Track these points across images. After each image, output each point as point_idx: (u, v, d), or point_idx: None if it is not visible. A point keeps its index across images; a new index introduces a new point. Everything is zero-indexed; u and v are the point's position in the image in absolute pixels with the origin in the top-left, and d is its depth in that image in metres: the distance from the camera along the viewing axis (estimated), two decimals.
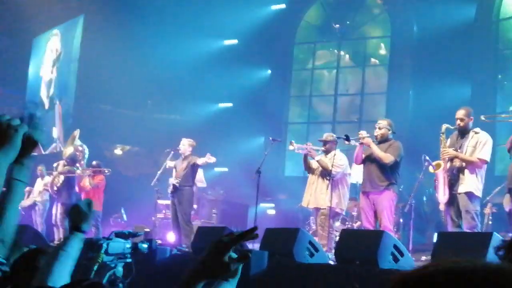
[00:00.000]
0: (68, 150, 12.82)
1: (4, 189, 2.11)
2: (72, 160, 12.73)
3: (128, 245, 5.18)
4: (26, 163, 2.16)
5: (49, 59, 22.02)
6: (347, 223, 12.47)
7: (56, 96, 21.16)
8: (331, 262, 7.63)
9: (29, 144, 2.16)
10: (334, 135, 10.05)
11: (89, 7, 19.66)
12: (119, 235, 5.23)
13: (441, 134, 8.18)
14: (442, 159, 8.11)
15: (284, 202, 16.45)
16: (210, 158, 10.69)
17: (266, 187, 14.66)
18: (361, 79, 18.51)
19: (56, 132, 19.05)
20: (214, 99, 19.83)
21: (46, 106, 21.77)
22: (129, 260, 5.18)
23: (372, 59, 18.77)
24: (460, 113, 8.13)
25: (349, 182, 9.83)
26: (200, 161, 10.82)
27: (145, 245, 5.35)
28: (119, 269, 5.17)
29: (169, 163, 11.40)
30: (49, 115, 20.91)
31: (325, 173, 9.49)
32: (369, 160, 8.81)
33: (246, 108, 18.55)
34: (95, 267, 4.98)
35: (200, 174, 13.05)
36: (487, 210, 11.10)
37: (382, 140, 8.85)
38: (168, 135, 16.36)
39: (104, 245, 5.03)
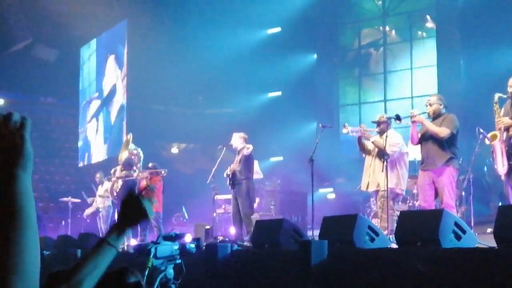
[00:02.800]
0: (124, 155, 12.95)
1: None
2: (129, 165, 12.87)
3: (176, 247, 5.32)
4: (126, 233, 2.20)
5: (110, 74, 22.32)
6: (408, 202, 12.30)
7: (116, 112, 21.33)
8: (393, 245, 7.53)
9: (138, 216, 2.22)
10: (387, 116, 9.89)
11: (131, 10, 19.85)
12: (167, 238, 5.39)
13: (494, 104, 7.97)
14: (497, 129, 7.90)
15: (342, 185, 16.36)
16: (247, 147, 10.76)
17: (323, 172, 14.63)
18: (409, 54, 18.19)
19: None
20: (263, 89, 19.83)
21: (96, 127, 22.09)
22: (178, 261, 5.30)
23: (419, 32, 18.43)
24: None
25: (407, 161, 9.65)
26: (245, 151, 10.85)
27: (192, 245, 5.48)
28: (170, 271, 5.31)
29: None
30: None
31: (382, 154, 9.35)
32: (425, 137, 8.62)
33: (295, 95, 18.51)
34: (146, 272, 5.10)
35: (256, 166, 13.03)
36: None
37: (435, 116, 8.65)
38: (222, 129, 16.46)
39: (152, 250, 5.16)
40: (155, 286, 5.29)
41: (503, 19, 14.92)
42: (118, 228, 2.17)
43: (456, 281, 5.83)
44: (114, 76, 21.66)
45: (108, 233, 2.15)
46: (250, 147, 10.86)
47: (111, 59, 21.91)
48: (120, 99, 21.19)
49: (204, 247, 9.02)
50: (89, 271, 2.02)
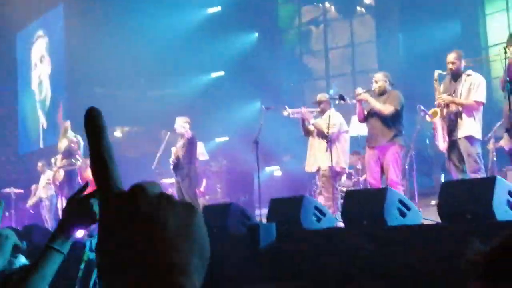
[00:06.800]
0: (63, 144, 12.70)
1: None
2: (69, 153, 12.64)
3: None
4: (71, 237, 2.07)
5: (37, 59, 21.85)
6: (353, 177, 12.43)
7: (54, 97, 20.97)
8: (339, 224, 7.61)
9: (85, 219, 2.07)
10: (328, 95, 9.96)
11: None
12: None
13: (434, 81, 8.09)
14: (437, 106, 8.02)
15: (289, 163, 16.42)
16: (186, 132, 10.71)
17: (269, 150, 14.63)
18: (349, 30, 18.30)
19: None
20: (206, 69, 19.70)
21: (36, 113, 21.68)
22: None
23: (358, 8, 18.52)
24: (451, 57, 8.02)
25: (347, 138, 9.75)
26: (186, 134, 10.82)
27: None
28: None
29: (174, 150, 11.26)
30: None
31: (322, 135, 9.44)
32: (370, 115, 8.71)
33: (238, 74, 18.43)
34: (82, 266, 5.01)
35: (201, 147, 12.97)
36: (490, 146, 10.97)
37: (380, 93, 8.74)
38: (165, 110, 16.31)
39: (88, 243, 5.08)
40: (92, 280, 5.22)
41: None
42: (63, 231, 2.05)
43: (402, 258, 5.93)
44: (47, 61, 21.31)
45: (52, 238, 2.04)
46: (189, 133, 10.76)
47: (46, 42, 21.45)
48: (48, 84, 20.96)
49: None
50: (37, 282, 1.94)
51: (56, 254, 2.00)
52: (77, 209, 2.07)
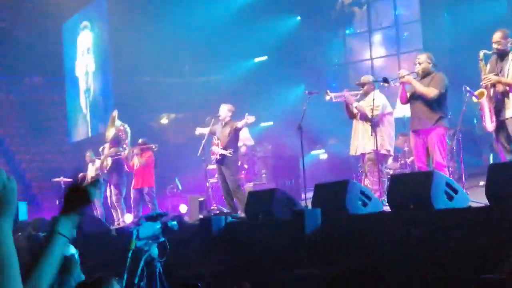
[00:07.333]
0: (111, 132, 12.89)
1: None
2: (117, 141, 12.84)
3: (158, 226, 5.36)
4: (73, 218, 2.14)
5: (83, 52, 22.13)
6: (400, 159, 12.30)
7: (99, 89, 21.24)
8: (385, 208, 7.53)
9: (82, 200, 2.18)
10: (372, 77, 9.83)
11: None
12: (149, 218, 5.44)
13: (479, 61, 7.93)
14: (484, 86, 7.87)
15: (334, 146, 16.34)
16: (249, 118, 10.48)
17: (314, 134, 14.57)
18: (393, 10, 17.99)
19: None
20: (249, 55, 19.68)
21: (84, 102, 21.97)
22: (162, 239, 5.35)
23: None
24: (497, 36, 7.84)
25: (392, 121, 9.60)
26: (240, 124, 10.66)
27: (174, 223, 5.54)
28: (154, 251, 5.35)
29: (200, 130, 11.27)
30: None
31: (365, 118, 9.34)
32: (414, 97, 8.57)
33: (281, 58, 18.38)
34: (129, 254, 5.14)
35: (246, 132, 12.98)
36: None
37: (424, 75, 8.58)
38: (210, 96, 16.41)
39: (134, 232, 5.21)
40: (140, 266, 5.33)
41: None
42: (64, 215, 2.12)
43: (450, 241, 5.85)
44: (92, 56, 21.59)
45: (55, 223, 2.10)
46: (251, 119, 10.60)
47: (91, 36, 21.68)
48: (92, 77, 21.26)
49: (198, 221, 9.07)
50: (44, 269, 1.99)
51: (59, 238, 2.06)
52: (73, 193, 2.20)
